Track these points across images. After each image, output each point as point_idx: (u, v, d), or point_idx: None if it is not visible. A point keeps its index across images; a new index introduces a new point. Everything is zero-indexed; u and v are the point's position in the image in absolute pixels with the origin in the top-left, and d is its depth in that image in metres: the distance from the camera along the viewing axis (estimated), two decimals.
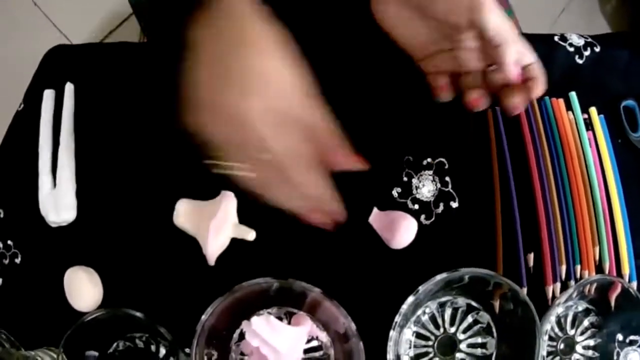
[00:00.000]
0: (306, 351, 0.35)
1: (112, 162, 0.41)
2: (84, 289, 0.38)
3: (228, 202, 0.36)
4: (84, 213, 0.40)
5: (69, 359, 0.35)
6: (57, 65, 0.45)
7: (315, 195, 0.29)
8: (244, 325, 0.32)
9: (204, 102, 0.26)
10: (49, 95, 0.43)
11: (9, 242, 0.42)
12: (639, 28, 0.84)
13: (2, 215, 0.43)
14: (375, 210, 0.37)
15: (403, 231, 0.36)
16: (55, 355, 0.38)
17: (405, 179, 0.39)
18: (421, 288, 0.33)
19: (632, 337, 0.37)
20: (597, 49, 0.43)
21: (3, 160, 0.44)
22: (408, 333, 0.36)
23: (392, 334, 0.33)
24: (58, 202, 0.40)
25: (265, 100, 0.26)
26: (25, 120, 0.44)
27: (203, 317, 0.32)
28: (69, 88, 0.43)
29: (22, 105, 0.45)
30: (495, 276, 0.32)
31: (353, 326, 0.32)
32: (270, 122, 0.26)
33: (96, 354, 0.37)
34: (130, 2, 0.52)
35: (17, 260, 0.41)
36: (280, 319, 0.34)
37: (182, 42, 0.27)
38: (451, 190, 0.38)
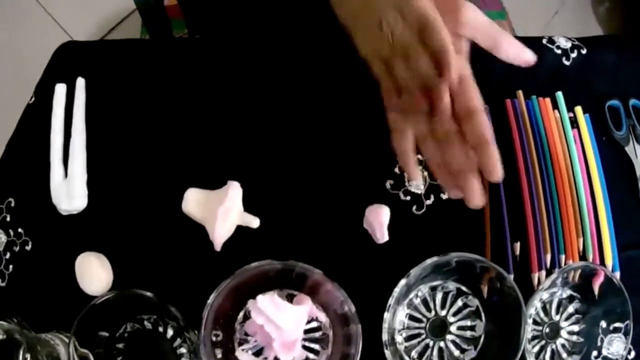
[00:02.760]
0: (306, 331, 0.40)
1: (122, 153, 0.47)
2: (95, 273, 0.43)
3: (234, 192, 0.41)
4: (94, 202, 0.45)
5: (80, 341, 0.40)
6: (67, 61, 0.50)
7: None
8: (250, 304, 0.37)
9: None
10: (60, 89, 0.48)
11: (20, 229, 0.47)
12: (630, 30, 0.91)
13: (13, 204, 0.47)
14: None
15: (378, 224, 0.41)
16: (66, 340, 0.43)
17: (397, 171, 0.44)
18: (412, 271, 0.38)
19: (615, 325, 0.42)
20: (584, 52, 0.49)
21: (14, 151, 0.49)
22: (401, 315, 0.41)
23: (387, 315, 0.38)
24: (70, 190, 0.45)
25: None
26: (36, 113, 0.49)
27: (210, 298, 0.37)
28: (80, 82, 0.48)
29: (33, 99, 0.50)
30: (482, 260, 0.38)
31: (352, 307, 0.37)
32: None
33: (106, 334, 0.42)
34: (135, 2, 0.57)
35: (28, 248, 0.46)
36: None
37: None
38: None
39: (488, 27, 0.35)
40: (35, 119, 0.49)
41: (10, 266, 0.46)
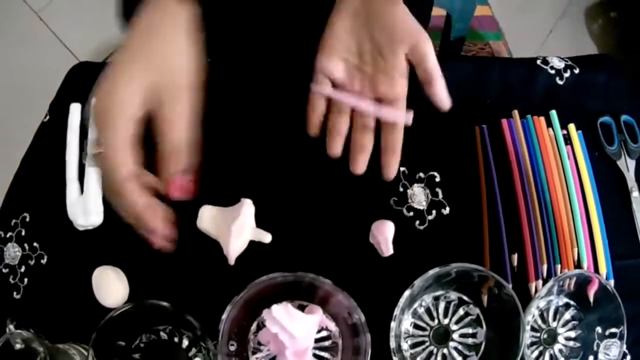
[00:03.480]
0: (316, 340, 0.43)
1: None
2: (112, 286, 0.46)
3: (247, 209, 0.45)
4: (110, 217, 0.48)
5: (97, 352, 0.43)
6: (81, 81, 0.53)
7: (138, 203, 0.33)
8: (265, 313, 0.40)
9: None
10: (75, 108, 0.51)
11: (35, 244, 0.49)
12: (623, 47, 0.96)
13: (28, 219, 0.50)
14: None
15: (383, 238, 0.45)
16: (82, 350, 0.45)
17: (401, 189, 0.48)
18: (416, 282, 0.41)
19: (611, 330, 0.45)
20: (577, 71, 0.53)
21: (29, 167, 0.52)
22: (406, 324, 0.44)
23: (393, 325, 0.41)
24: (86, 207, 0.48)
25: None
26: (51, 131, 0.52)
27: (226, 310, 0.40)
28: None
29: (47, 117, 0.53)
30: (481, 269, 0.41)
31: (362, 316, 0.40)
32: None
33: (123, 343, 0.44)
34: None
35: (43, 261, 0.49)
36: None
37: None
38: (442, 200, 0.47)
39: (433, 65, 0.39)
40: (49, 137, 0.52)
41: (25, 279, 0.49)
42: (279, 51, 0.53)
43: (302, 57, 0.51)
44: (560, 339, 0.46)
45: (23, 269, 0.49)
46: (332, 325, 0.43)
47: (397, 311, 0.41)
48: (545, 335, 0.46)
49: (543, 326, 0.46)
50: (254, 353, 0.43)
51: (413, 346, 0.44)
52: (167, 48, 0.34)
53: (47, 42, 1.10)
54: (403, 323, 0.44)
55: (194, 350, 0.45)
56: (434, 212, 0.47)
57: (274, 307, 0.39)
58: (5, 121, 1.00)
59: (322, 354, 0.43)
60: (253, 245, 0.46)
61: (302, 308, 0.43)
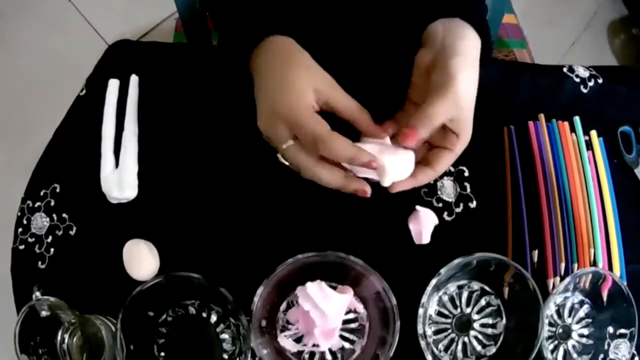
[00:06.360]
0: (344, 322, 0.45)
1: (170, 147, 0.52)
2: (143, 259, 0.48)
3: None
4: (143, 192, 0.50)
5: (125, 323, 0.44)
6: (119, 58, 0.55)
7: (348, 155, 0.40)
8: (299, 290, 0.42)
9: (263, 111, 0.43)
10: (113, 84, 0.53)
11: (64, 215, 0.51)
12: None
13: (58, 190, 0.52)
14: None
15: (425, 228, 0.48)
16: (107, 322, 0.47)
17: (431, 181, 0.50)
18: (442, 271, 0.44)
19: (621, 331, 0.48)
20: (600, 81, 0.56)
21: (62, 139, 0.54)
22: (431, 311, 0.47)
23: (420, 311, 0.44)
24: (122, 180, 0.49)
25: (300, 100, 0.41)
26: (87, 105, 0.54)
27: (260, 288, 0.42)
28: (134, 79, 0.53)
29: (84, 91, 0.55)
30: (504, 259, 0.44)
31: (393, 299, 0.42)
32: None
33: (152, 314, 0.46)
34: (179, 9, 0.62)
35: (72, 232, 0.51)
36: None
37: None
38: (470, 194, 0.50)
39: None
40: (85, 110, 0.54)
41: (52, 249, 0.50)
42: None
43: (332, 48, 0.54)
44: (574, 335, 0.49)
45: (50, 239, 0.51)
46: (360, 308, 0.46)
47: (424, 298, 0.44)
48: (560, 331, 0.49)
49: (559, 322, 0.49)
50: (282, 331, 0.45)
51: (436, 332, 0.47)
52: (307, 61, 0.44)
53: (75, 24, 1.12)
54: (428, 310, 0.46)
55: (222, 325, 0.46)
56: (461, 205, 0.50)
57: (309, 284, 0.42)
58: (34, 102, 1.01)
59: (349, 335, 0.46)
60: (285, 224, 0.48)
61: (332, 289, 0.46)
